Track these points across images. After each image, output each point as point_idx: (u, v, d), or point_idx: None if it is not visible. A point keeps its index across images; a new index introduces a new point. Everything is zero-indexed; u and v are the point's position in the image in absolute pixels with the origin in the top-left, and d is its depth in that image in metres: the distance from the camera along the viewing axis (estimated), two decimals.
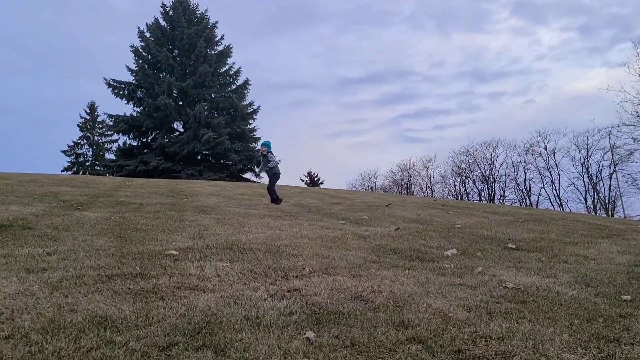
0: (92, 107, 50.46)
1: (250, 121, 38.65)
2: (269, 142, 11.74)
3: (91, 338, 2.43)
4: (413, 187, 56.43)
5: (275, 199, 11.36)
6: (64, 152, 48.78)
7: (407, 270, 4.61)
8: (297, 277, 4.12)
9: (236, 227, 7.04)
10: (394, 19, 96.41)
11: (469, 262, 5.28)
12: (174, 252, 4.81)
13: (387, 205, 11.84)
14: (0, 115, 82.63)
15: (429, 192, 54.46)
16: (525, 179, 46.80)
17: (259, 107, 38.62)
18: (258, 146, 38.37)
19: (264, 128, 46.65)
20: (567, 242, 7.21)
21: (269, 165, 11.31)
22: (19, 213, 7.44)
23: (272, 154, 11.45)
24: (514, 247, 6.55)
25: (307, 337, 2.68)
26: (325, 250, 5.52)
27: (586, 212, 40.30)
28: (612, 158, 39.22)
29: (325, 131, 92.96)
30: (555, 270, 5.03)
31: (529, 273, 4.87)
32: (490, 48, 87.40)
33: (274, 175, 11.47)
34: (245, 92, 38.77)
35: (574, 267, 5.26)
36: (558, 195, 44.34)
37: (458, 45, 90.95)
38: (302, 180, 53.47)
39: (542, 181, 45.17)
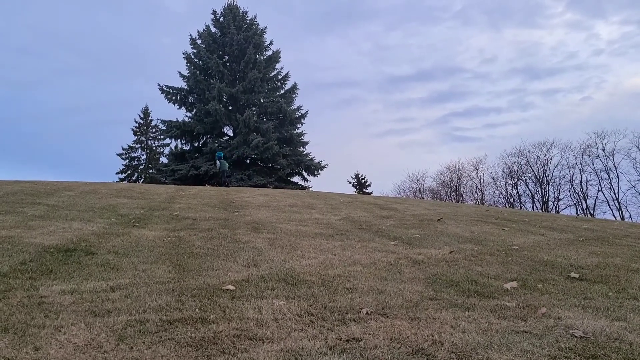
0: (145, 112, 52.22)
1: (298, 125, 38.97)
2: (220, 152, 25.08)
3: None
4: (462, 189, 55.40)
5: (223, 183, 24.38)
6: (119, 155, 50.70)
7: (466, 312, 4.48)
8: (354, 320, 4.07)
9: (289, 251, 7.07)
10: (444, 14, 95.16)
11: (530, 299, 5.08)
12: (231, 288, 4.86)
13: (438, 220, 11.63)
14: (59, 115, 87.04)
15: (479, 195, 53.33)
16: (581, 182, 45.09)
17: (307, 111, 38.91)
18: (306, 150, 38.63)
19: (310, 128, 47.09)
20: (635, 270, 6.83)
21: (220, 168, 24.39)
22: (81, 232, 7.74)
23: (220, 161, 24.01)
24: (577, 276, 6.27)
25: None
26: (380, 283, 5.44)
27: None
28: None
29: (372, 130, 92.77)
30: (624, 311, 4.76)
31: (596, 314, 4.63)
32: (544, 43, 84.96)
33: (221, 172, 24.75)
34: (294, 96, 39.15)
35: None
36: (617, 199, 42.39)
37: (510, 40, 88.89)
38: (350, 183, 53.34)
39: (600, 184, 43.35)
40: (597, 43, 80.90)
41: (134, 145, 51.48)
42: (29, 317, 3.73)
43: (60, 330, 3.45)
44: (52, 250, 6.31)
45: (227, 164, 23.98)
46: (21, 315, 3.75)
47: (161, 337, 3.42)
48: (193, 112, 38.40)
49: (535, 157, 48.26)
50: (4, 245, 6.38)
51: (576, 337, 3.91)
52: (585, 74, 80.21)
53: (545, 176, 47.51)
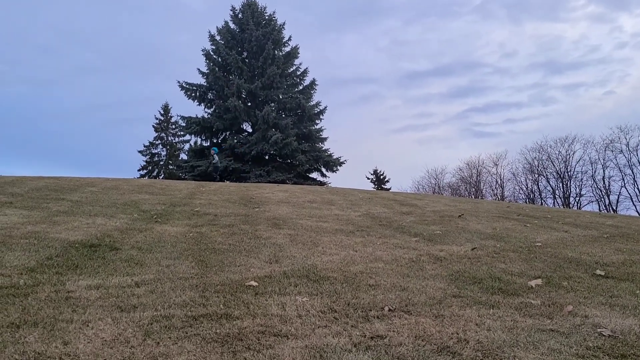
0: (165, 109, 52.71)
1: (317, 121, 38.92)
2: (216, 148, 26.25)
3: None
4: (482, 185, 54.84)
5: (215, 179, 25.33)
6: (140, 152, 51.30)
7: (491, 309, 4.43)
8: (378, 317, 4.06)
9: (310, 247, 7.07)
10: (463, 9, 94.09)
11: (556, 296, 5.00)
12: (254, 284, 4.89)
13: (459, 216, 11.52)
14: (79, 113, 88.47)
15: (499, 191, 52.74)
16: (604, 177, 44.33)
17: (325, 107, 38.84)
18: (325, 146, 38.57)
19: (328, 125, 47.03)
20: None
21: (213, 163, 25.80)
22: (104, 228, 7.84)
23: (214, 156, 25.37)
24: (602, 273, 6.16)
25: None
26: (402, 280, 5.42)
27: None
28: None
29: (390, 126, 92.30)
30: None
31: (623, 313, 4.54)
32: (566, 37, 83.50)
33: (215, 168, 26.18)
34: (312, 92, 39.08)
35: None
36: None
37: (531, 34, 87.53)
38: (368, 179, 53.29)
39: (623, 179, 42.59)
40: (621, 36, 79.32)
41: (154, 141, 52.08)
42: (57, 311, 3.79)
43: (88, 325, 3.51)
44: (77, 245, 6.41)
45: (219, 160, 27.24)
46: (49, 310, 3.82)
47: (187, 333, 3.46)
48: (212, 109, 38.59)
49: (557, 152, 47.61)
50: (30, 241, 6.50)
51: (604, 335, 3.84)
52: (608, 67, 78.74)
53: (567, 172, 46.84)
